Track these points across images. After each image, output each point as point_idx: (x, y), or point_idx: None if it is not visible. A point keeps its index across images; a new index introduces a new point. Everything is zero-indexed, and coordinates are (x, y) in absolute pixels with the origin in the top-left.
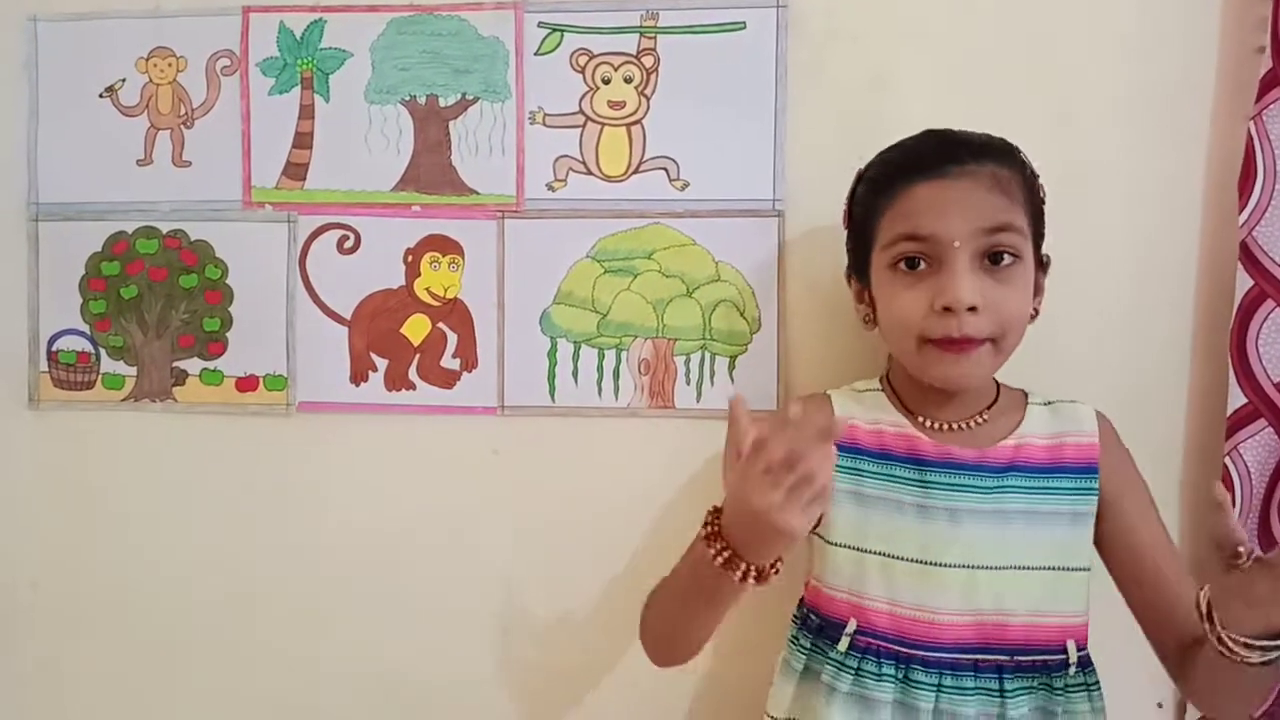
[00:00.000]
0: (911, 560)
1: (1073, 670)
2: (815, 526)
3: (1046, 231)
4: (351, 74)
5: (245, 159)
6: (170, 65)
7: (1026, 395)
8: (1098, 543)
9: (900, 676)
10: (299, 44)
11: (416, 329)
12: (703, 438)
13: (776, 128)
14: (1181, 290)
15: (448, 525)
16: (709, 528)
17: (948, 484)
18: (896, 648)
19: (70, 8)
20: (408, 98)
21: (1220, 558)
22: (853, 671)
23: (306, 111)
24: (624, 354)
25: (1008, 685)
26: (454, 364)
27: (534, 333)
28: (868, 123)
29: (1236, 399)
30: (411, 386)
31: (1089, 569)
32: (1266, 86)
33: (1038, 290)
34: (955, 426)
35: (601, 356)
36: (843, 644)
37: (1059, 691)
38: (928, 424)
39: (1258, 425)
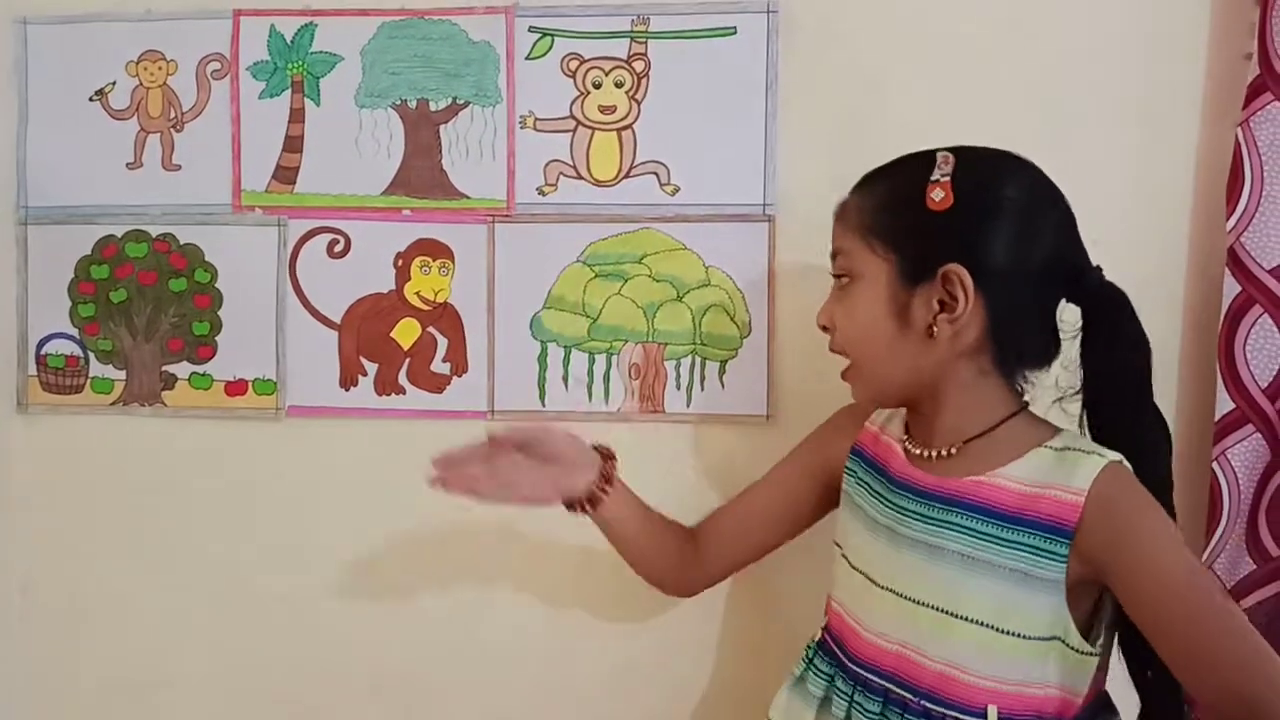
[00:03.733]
0: (859, 571)
1: None
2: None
3: None
4: (342, 78)
5: (235, 162)
6: (160, 68)
7: (1053, 435)
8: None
9: (829, 676)
10: (290, 48)
11: (406, 333)
12: (693, 442)
13: (767, 132)
14: (1170, 296)
15: (438, 529)
16: None
17: (897, 505)
18: (835, 649)
19: (60, 10)
20: (398, 102)
21: None
22: (807, 662)
23: (297, 115)
24: (614, 358)
25: None
26: (444, 368)
27: (524, 337)
28: (859, 127)
29: (1224, 405)
30: (401, 391)
31: (1042, 638)
32: (1254, 93)
33: (904, 309)
34: (933, 454)
35: (592, 361)
36: (816, 634)
37: None
38: (909, 443)
39: (1245, 431)
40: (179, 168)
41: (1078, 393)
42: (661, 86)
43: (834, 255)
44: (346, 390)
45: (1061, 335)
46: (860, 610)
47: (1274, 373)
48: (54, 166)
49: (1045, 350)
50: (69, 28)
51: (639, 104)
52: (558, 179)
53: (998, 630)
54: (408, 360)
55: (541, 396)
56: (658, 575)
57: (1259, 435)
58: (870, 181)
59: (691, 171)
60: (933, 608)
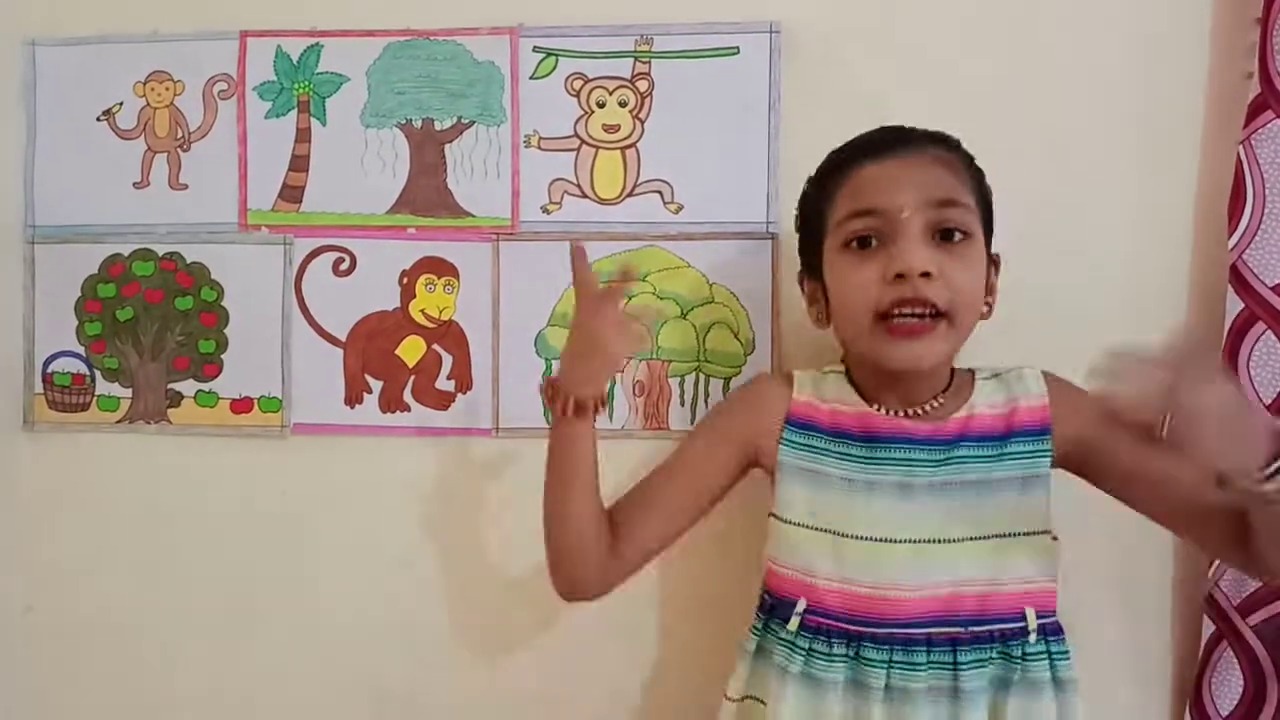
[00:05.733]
0: (861, 538)
1: (1033, 638)
2: (773, 508)
3: (1039, 255)
4: (348, 98)
5: (242, 182)
6: (168, 89)
7: (974, 372)
8: (1104, 485)
9: (851, 655)
10: (296, 68)
11: (411, 351)
12: None
13: (770, 151)
14: (1173, 313)
15: (442, 547)
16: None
17: (900, 459)
18: (847, 626)
19: (69, 31)
20: (404, 121)
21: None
22: (804, 652)
23: (303, 135)
24: (618, 375)
25: (962, 658)
26: (449, 386)
27: (529, 354)
28: None
29: None
30: (406, 408)
31: (1048, 533)
32: (1255, 111)
33: (989, 289)
34: (911, 412)
35: None
36: (793, 623)
37: (1016, 660)
38: (882, 410)
39: None
40: (186, 187)
41: None
42: (665, 106)
43: (944, 203)
44: (351, 408)
45: None
46: (881, 574)
47: (1278, 389)
48: (61, 186)
49: None
50: (77, 49)
51: (642, 123)
52: (562, 197)
53: (1016, 535)
54: (412, 377)
55: (546, 414)
56: (580, 552)
57: None
58: (944, 139)
59: (695, 190)
60: (959, 540)
